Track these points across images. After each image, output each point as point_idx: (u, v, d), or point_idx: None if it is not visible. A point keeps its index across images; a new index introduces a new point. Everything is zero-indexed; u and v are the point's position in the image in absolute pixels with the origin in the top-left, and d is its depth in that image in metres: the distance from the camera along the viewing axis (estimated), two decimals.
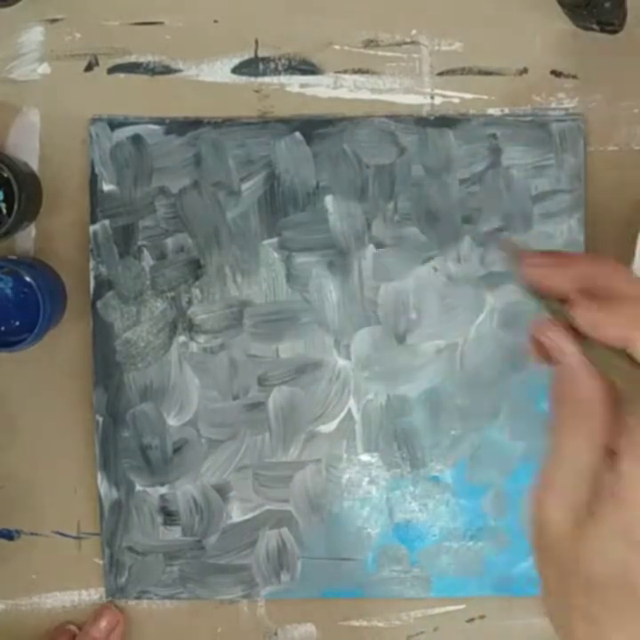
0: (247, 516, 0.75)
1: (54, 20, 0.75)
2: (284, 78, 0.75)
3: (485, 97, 0.74)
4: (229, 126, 0.74)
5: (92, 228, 0.74)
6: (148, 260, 0.74)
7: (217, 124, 0.74)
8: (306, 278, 0.74)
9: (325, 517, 0.75)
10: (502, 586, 0.75)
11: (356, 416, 0.75)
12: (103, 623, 0.75)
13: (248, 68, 0.75)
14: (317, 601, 0.76)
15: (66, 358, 0.76)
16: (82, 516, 0.76)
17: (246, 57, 0.75)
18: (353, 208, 0.74)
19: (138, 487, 0.75)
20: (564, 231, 0.73)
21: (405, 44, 0.74)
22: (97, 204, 0.74)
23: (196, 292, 0.74)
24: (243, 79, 0.75)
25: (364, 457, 0.75)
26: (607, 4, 0.69)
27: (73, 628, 0.76)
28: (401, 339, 0.74)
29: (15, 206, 0.70)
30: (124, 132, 0.74)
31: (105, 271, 0.75)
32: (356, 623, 0.76)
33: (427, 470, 0.75)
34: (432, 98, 0.74)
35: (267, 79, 0.75)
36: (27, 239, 0.75)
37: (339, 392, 0.75)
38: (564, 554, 0.52)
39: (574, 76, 0.74)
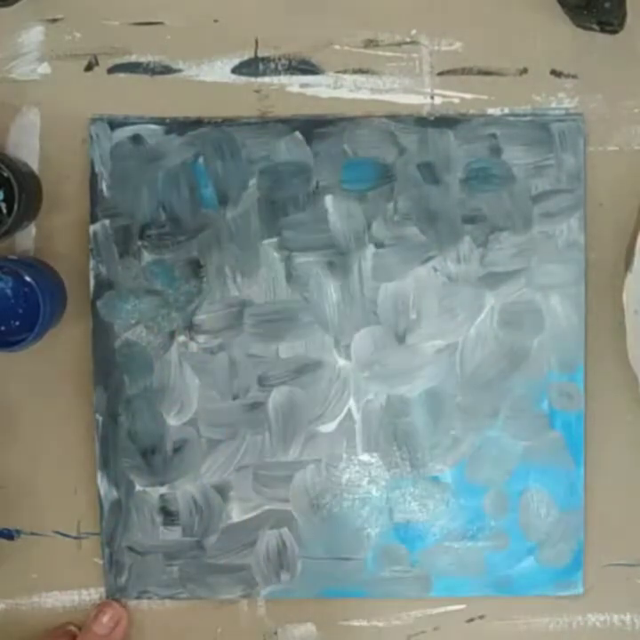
0: (247, 516, 0.75)
1: (54, 20, 0.75)
2: (284, 78, 0.75)
3: (485, 97, 0.74)
4: (229, 126, 0.74)
5: (91, 228, 0.74)
6: (147, 260, 0.74)
7: (217, 123, 0.74)
8: (306, 278, 0.74)
9: (325, 517, 0.75)
10: (502, 586, 0.75)
11: (356, 416, 0.75)
12: (105, 619, 0.75)
13: (248, 67, 0.75)
14: (317, 601, 0.76)
15: (66, 358, 0.76)
16: (82, 516, 0.76)
17: (246, 57, 0.75)
18: (353, 208, 0.74)
19: (138, 487, 0.75)
20: (563, 231, 0.74)
21: (405, 43, 0.74)
22: (97, 203, 0.74)
23: (195, 291, 0.74)
24: (243, 79, 0.75)
25: (364, 457, 0.75)
26: (607, 4, 0.69)
27: (73, 628, 0.76)
28: (401, 339, 0.74)
29: (15, 206, 0.70)
30: (124, 132, 0.74)
31: (105, 271, 0.75)
32: (355, 623, 0.76)
33: (427, 470, 0.75)
34: (432, 98, 0.74)
35: (267, 79, 0.75)
36: (27, 239, 0.75)
37: (339, 392, 0.75)
38: None
39: (574, 76, 0.74)
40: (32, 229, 0.75)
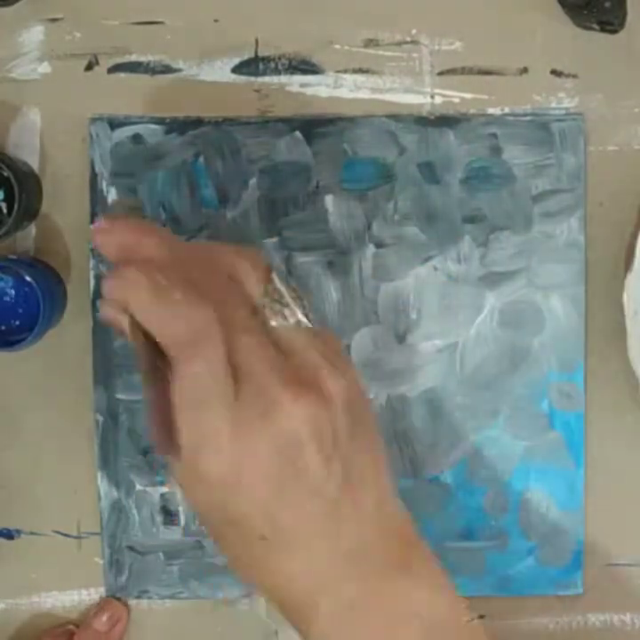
0: None
1: (54, 20, 0.75)
2: (284, 78, 0.75)
3: (485, 96, 0.74)
4: (229, 126, 0.74)
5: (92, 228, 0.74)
6: None
7: (217, 123, 0.74)
8: (306, 278, 0.74)
9: None
10: (502, 586, 0.75)
11: None
12: (105, 616, 0.75)
13: (248, 67, 0.75)
14: None
15: (66, 358, 0.76)
16: (82, 516, 0.76)
17: (246, 57, 0.75)
18: (353, 207, 0.74)
19: (138, 486, 0.75)
20: (563, 231, 0.74)
21: (405, 43, 0.74)
22: (97, 203, 0.74)
23: None
24: (243, 79, 0.75)
25: None
26: (607, 4, 0.69)
27: (72, 627, 0.76)
28: (401, 338, 0.74)
29: (15, 206, 0.70)
30: (125, 132, 0.74)
31: (105, 271, 0.75)
32: None
33: (427, 470, 0.75)
34: (432, 97, 0.74)
35: (267, 79, 0.75)
36: (27, 239, 0.75)
37: None
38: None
39: (574, 76, 0.74)
40: (32, 229, 0.75)
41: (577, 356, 0.74)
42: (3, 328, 0.73)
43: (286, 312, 0.56)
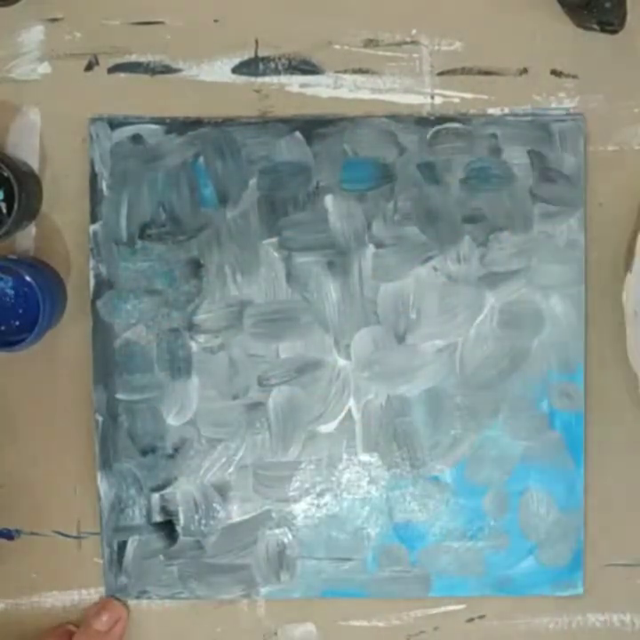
0: (247, 516, 0.75)
1: (54, 20, 0.75)
2: (283, 78, 0.75)
3: (485, 97, 0.74)
4: (229, 126, 0.74)
5: (91, 228, 0.74)
6: (148, 260, 0.74)
7: (217, 123, 0.74)
8: (306, 278, 0.74)
9: (325, 517, 0.75)
10: (502, 586, 0.75)
11: (356, 416, 0.75)
12: (106, 617, 0.75)
13: (248, 67, 0.75)
14: (317, 601, 0.76)
15: (66, 358, 0.76)
16: (82, 516, 0.76)
17: (246, 57, 0.75)
18: (353, 208, 0.74)
19: (138, 486, 0.75)
20: (564, 231, 0.74)
21: (405, 43, 0.74)
22: (97, 203, 0.74)
23: (195, 291, 0.74)
24: (243, 79, 0.75)
25: (364, 457, 0.75)
26: (607, 4, 0.69)
27: (72, 627, 0.76)
28: (401, 339, 0.74)
29: (15, 206, 0.70)
30: (124, 132, 0.74)
31: (105, 271, 0.75)
32: (355, 623, 0.76)
33: (427, 470, 0.75)
34: (432, 98, 0.74)
35: (267, 79, 0.75)
36: (27, 239, 0.75)
37: (339, 392, 0.75)
38: None
39: (574, 76, 0.74)
40: (32, 229, 0.75)
41: (577, 356, 0.74)
42: (3, 328, 0.74)
43: None
